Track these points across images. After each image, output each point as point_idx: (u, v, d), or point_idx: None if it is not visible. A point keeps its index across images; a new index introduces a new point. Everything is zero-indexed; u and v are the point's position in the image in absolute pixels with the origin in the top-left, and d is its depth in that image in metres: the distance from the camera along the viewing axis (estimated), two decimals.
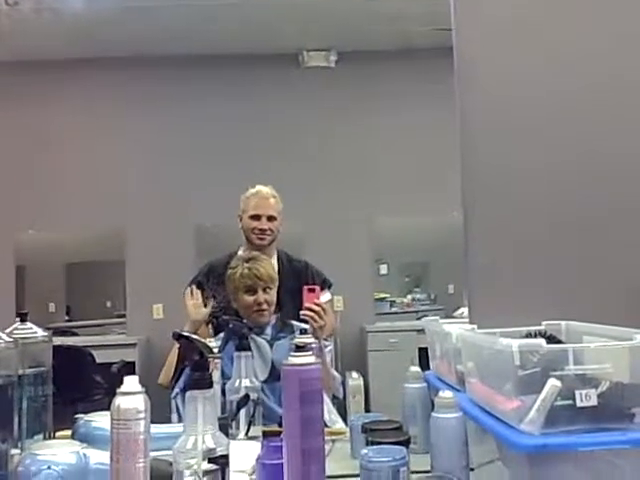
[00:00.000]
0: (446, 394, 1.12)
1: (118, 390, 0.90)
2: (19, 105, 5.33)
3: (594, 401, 0.95)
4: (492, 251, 1.38)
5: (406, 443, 1.20)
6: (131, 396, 0.90)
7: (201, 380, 0.97)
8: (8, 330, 1.27)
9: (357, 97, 5.53)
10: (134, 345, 4.92)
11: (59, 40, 4.83)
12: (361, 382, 4.94)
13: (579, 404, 0.95)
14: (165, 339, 5.27)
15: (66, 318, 5.32)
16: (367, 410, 4.55)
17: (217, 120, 5.43)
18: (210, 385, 0.98)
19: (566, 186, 1.52)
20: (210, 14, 4.60)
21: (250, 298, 2.13)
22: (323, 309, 2.15)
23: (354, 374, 4.92)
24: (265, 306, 2.12)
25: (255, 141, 5.37)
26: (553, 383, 0.95)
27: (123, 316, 5.39)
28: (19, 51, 4.78)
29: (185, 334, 1.05)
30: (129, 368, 4.72)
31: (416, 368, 1.45)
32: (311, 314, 2.09)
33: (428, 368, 1.55)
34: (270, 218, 2.57)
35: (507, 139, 1.47)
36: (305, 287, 2.17)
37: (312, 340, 1.17)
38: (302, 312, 2.14)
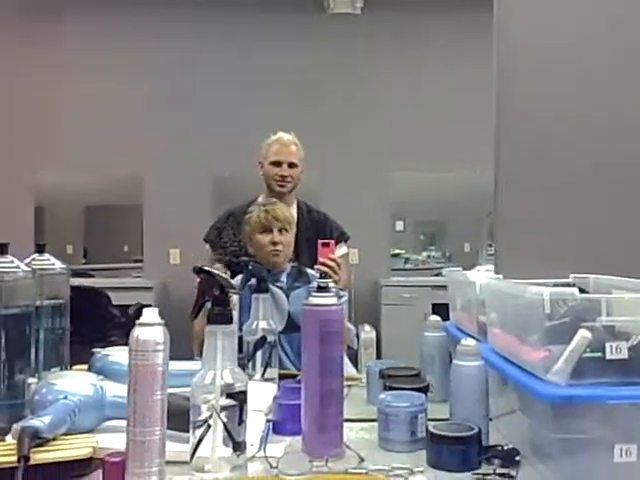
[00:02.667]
0: (468, 342, 1.10)
1: (137, 321, 0.89)
2: (39, 46, 5.28)
3: (624, 354, 0.92)
4: (521, 202, 1.34)
5: (424, 390, 1.18)
6: (150, 327, 0.88)
7: (221, 315, 0.95)
8: (27, 260, 1.25)
9: (381, 47, 5.41)
10: (150, 289, 4.96)
11: None
12: (374, 335, 4.97)
13: (609, 356, 0.92)
14: (182, 284, 5.32)
15: (83, 261, 5.35)
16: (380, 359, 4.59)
17: (238, 67, 5.34)
18: (230, 320, 0.96)
19: (597, 137, 1.46)
20: None
21: (266, 238, 2.11)
22: (337, 264, 2.13)
23: (367, 327, 4.95)
24: (280, 247, 2.11)
25: (275, 89, 5.29)
26: (583, 334, 0.92)
27: (140, 261, 5.41)
28: None
29: (206, 268, 1.02)
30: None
31: (436, 317, 1.42)
32: (325, 269, 2.07)
33: None
34: (291, 165, 2.53)
35: (543, 88, 1.41)
36: (320, 241, 2.15)
37: (332, 284, 1.14)
38: (316, 266, 2.13)
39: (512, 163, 1.38)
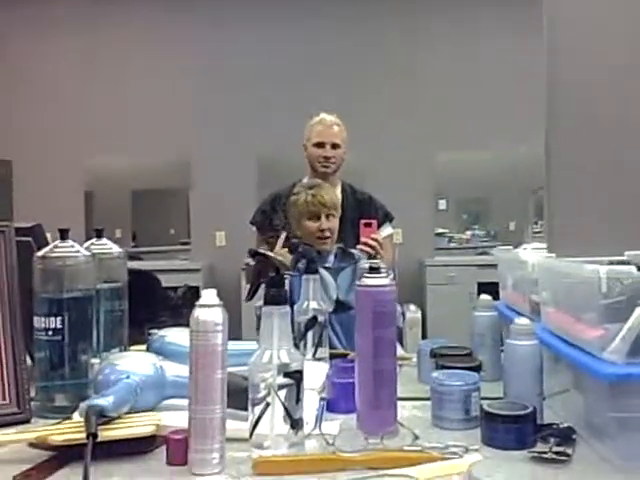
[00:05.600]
0: (522, 321, 1.09)
1: (197, 302, 0.91)
2: (90, 33, 5.38)
3: None
4: (574, 178, 1.31)
5: (477, 369, 1.19)
6: (209, 308, 0.90)
7: (277, 296, 0.97)
8: (85, 245, 1.29)
9: (423, 26, 5.35)
10: (198, 271, 5.04)
11: None
12: (419, 314, 4.96)
13: None
14: (228, 265, 5.40)
15: (132, 244, 5.46)
16: (425, 339, 4.59)
17: (282, 48, 5.35)
18: (285, 301, 0.98)
19: None
20: None
21: (314, 224, 2.13)
22: (380, 243, 2.13)
23: (412, 307, 4.94)
24: (328, 233, 2.13)
25: (318, 71, 5.28)
26: None
27: (187, 243, 5.51)
28: None
29: (261, 251, 1.04)
30: (193, 292, 4.86)
31: (486, 296, 1.41)
32: (367, 248, 2.07)
33: None
34: (334, 146, 2.53)
35: (596, 59, 1.38)
36: (362, 221, 2.15)
37: (376, 262, 1.15)
38: (358, 246, 2.13)
39: (564, 138, 1.35)
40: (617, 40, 1.44)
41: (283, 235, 2.02)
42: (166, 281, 4.02)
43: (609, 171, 1.34)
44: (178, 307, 4.43)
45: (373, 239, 2.12)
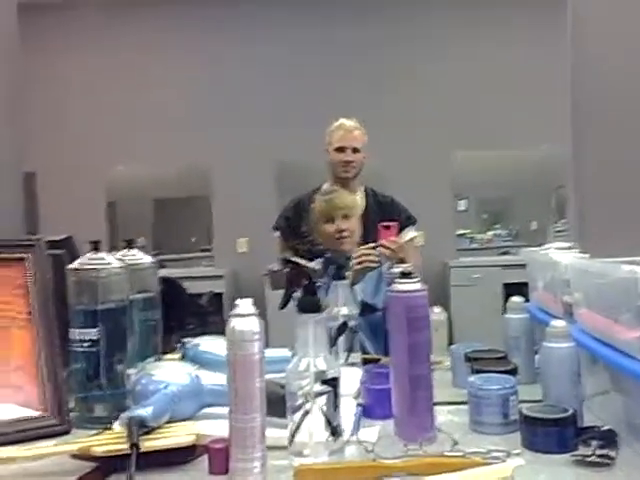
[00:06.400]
0: (558, 323, 1.08)
1: (232, 312, 0.91)
2: (108, 45, 5.43)
3: None
4: (606, 177, 1.30)
5: (513, 372, 1.18)
6: (246, 318, 0.91)
7: (311, 304, 0.97)
8: (117, 255, 1.31)
9: (441, 24, 5.33)
10: (221, 277, 5.07)
11: None
12: (444, 316, 4.94)
13: None
14: (250, 272, 5.40)
15: (154, 252, 5.50)
16: (450, 343, 4.57)
17: (298, 55, 5.37)
18: (320, 309, 0.98)
19: None
20: None
21: (331, 227, 2.17)
22: (400, 245, 2.12)
23: (436, 309, 4.92)
24: (346, 233, 2.16)
25: (335, 75, 5.29)
26: None
27: (208, 250, 5.53)
28: None
29: (293, 259, 1.05)
30: (218, 299, 4.88)
31: (518, 298, 1.40)
32: (385, 251, 2.06)
33: None
34: (355, 150, 2.54)
35: (621, 56, 1.37)
36: (380, 224, 2.14)
37: (408, 267, 1.15)
38: (377, 249, 2.12)
39: (594, 136, 1.34)
40: None
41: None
42: (190, 288, 4.04)
43: None
44: (204, 314, 4.45)
45: (391, 241, 2.11)
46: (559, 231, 5.38)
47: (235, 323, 0.91)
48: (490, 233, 5.74)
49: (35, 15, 5.24)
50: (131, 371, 1.20)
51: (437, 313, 4.74)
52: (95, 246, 1.21)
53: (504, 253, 5.40)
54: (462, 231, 5.67)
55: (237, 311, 0.92)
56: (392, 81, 5.30)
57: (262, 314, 0.92)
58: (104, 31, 5.42)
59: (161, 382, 1.09)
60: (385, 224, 2.15)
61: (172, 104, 5.39)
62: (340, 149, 2.54)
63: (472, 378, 1.12)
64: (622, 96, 1.33)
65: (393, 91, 5.28)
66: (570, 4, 1.40)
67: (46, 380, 1.15)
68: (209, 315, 4.59)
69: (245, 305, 0.92)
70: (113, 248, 1.41)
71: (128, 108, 5.43)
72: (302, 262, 1.04)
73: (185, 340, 1.38)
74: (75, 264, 1.19)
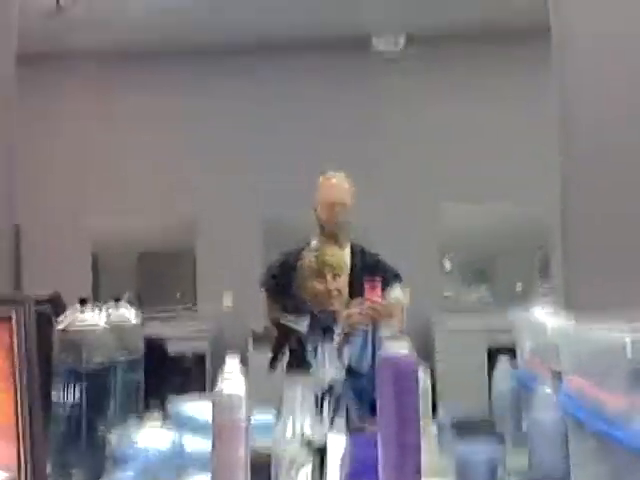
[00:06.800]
0: (544, 391, 1.08)
1: (220, 375, 0.91)
2: (92, 97, 5.49)
3: None
4: (592, 238, 1.31)
5: (500, 440, 1.17)
6: (233, 381, 0.90)
7: (299, 367, 0.97)
8: (104, 313, 1.29)
9: (427, 80, 5.44)
10: (205, 335, 5.01)
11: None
12: (428, 377, 4.88)
13: None
14: (236, 329, 5.31)
15: (137, 308, 5.44)
16: (434, 407, 4.49)
17: (285, 110, 5.44)
18: (308, 371, 0.97)
19: None
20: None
21: (320, 285, 2.14)
22: (385, 305, 2.12)
23: (420, 372, 4.85)
24: (335, 293, 2.13)
25: (322, 129, 5.36)
26: None
27: (193, 304, 5.48)
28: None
29: (282, 322, 1.05)
30: (201, 360, 4.80)
31: (506, 364, 1.40)
32: (371, 311, 2.06)
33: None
34: (343, 205, 2.56)
35: (612, 120, 1.40)
36: (366, 280, 2.14)
37: (398, 331, 1.15)
38: (362, 307, 2.11)
39: (580, 196, 1.36)
40: (632, 97, 1.46)
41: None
42: (173, 346, 3.99)
43: (629, 231, 1.34)
44: (186, 373, 4.37)
45: (377, 301, 2.10)
46: (544, 294, 5.39)
47: (223, 387, 0.90)
48: (475, 295, 5.75)
49: (25, 70, 5.31)
50: (112, 436, 1.17)
51: (420, 377, 4.68)
52: (82, 303, 1.20)
53: (489, 315, 5.39)
54: (447, 293, 5.67)
55: (225, 373, 0.91)
56: (378, 132, 5.36)
57: (245, 370, 0.91)
58: (93, 87, 5.47)
59: (142, 449, 1.07)
60: (370, 279, 2.15)
61: (159, 159, 5.41)
62: (329, 204, 2.56)
63: (459, 447, 1.10)
64: (608, 154, 1.36)
65: (379, 143, 5.34)
66: (555, 59, 1.44)
67: (24, 444, 1.12)
68: (191, 374, 4.51)
69: (232, 365, 0.91)
70: (116, 299, 1.39)
71: (114, 163, 5.44)
72: (293, 325, 1.03)
73: (168, 400, 1.35)
74: (62, 325, 1.17)
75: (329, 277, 2.15)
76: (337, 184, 2.59)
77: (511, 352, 1.57)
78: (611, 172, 1.42)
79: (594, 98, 1.45)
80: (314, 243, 2.54)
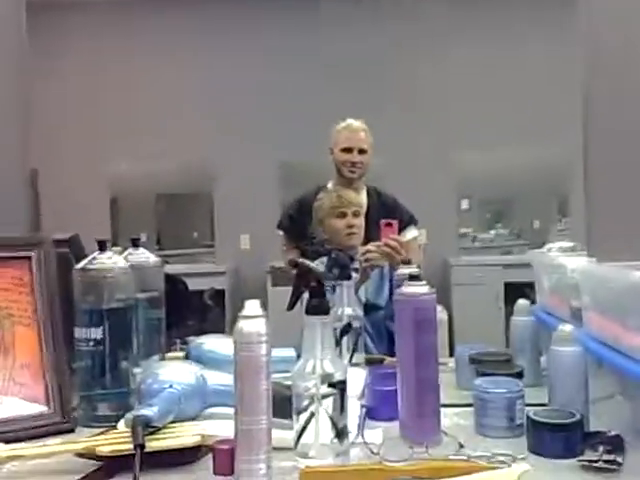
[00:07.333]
0: (565, 327, 1.08)
1: (239, 314, 0.91)
2: (111, 45, 5.42)
3: None
4: (615, 180, 1.29)
5: (519, 376, 1.18)
6: (253, 319, 0.90)
7: (319, 306, 0.97)
8: (123, 255, 1.30)
9: (441, 23, 5.30)
10: (223, 274, 5.07)
11: None
12: (445, 315, 4.93)
13: None
14: (253, 269, 5.41)
15: (156, 247, 5.50)
16: (451, 343, 4.56)
17: (300, 54, 5.35)
18: (327, 311, 0.98)
19: None
20: None
21: (341, 222, 2.20)
22: (400, 243, 2.12)
23: (438, 307, 4.90)
24: (355, 229, 2.19)
25: (339, 75, 5.27)
26: None
27: (210, 246, 5.53)
28: None
29: (301, 261, 1.05)
30: (220, 296, 4.88)
31: (525, 301, 1.40)
32: (387, 249, 2.06)
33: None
34: (361, 151, 2.53)
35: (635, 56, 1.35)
36: (382, 221, 2.14)
37: (416, 270, 1.15)
38: (379, 245, 2.12)
39: (604, 139, 1.33)
40: None
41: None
42: (192, 284, 4.04)
43: None
44: (207, 310, 4.45)
45: (393, 239, 2.11)
46: (561, 230, 5.38)
47: (243, 324, 0.91)
48: (492, 232, 5.73)
49: (39, 14, 5.23)
50: (136, 370, 1.20)
51: (438, 312, 4.73)
52: (101, 245, 1.21)
53: (506, 252, 5.39)
54: (464, 230, 5.67)
55: (245, 312, 0.91)
56: (394, 82, 5.28)
57: (263, 310, 0.92)
58: (109, 30, 5.40)
59: (166, 381, 1.09)
60: (386, 221, 2.15)
61: (176, 102, 5.38)
62: (347, 149, 2.53)
63: (478, 381, 1.11)
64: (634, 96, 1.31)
65: (396, 89, 5.26)
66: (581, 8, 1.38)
67: (50, 378, 1.15)
68: (210, 311, 4.59)
69: (253, 306, 0.92)
70: (115, 244, 1.40)
71: (131, 106, 5.42)
72: (312, 265, 1.03)
73: (189, 339, 1.38)
74: (82, 264, 1.18)
75: (350, 213, 2.20)
76: (356, 129, 2.56)
77: (528, 287, 1.58)
78: (636, 113, 1.38)
79: (620, 38, 1.39)
80: (330, 184, 2.54)
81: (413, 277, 1.07)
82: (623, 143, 1.30)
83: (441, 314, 4.78)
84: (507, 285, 4.71)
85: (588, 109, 1.35)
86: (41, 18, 5.00)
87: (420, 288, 1.05)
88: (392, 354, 1.27)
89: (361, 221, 2.23)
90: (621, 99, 1.33)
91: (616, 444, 0.94)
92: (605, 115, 1.33)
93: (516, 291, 1.59)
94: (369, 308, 1.98)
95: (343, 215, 2.20)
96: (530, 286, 1.57)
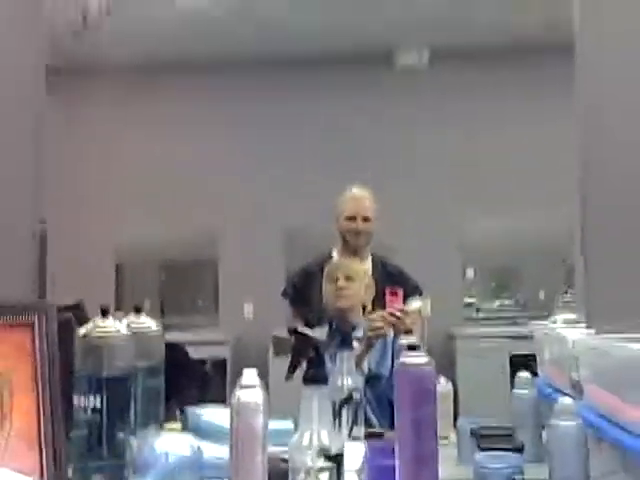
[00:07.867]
0: (565, 401, 1.07)
1: (238, 383, 0.91)
2: (121, 108, 5.56)
3: None
4: (613, 249, 1.30)
5: (519, 450, 1.16)
6: (250, 389, 0.91)
7: (317, 376, 0.97)
8: (125, 321, 1.31)
9: (452, 96, 5.43)
10: (226, 343, 5.04)
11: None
12: (450, 388, 4.85)
13: None
14: (256, 338, 5.35)
15: (160, 315, 5.49)
16: (455, 416, 4.46)
17: (307, 123, 5.48)
18: (325, 381, 0.97)
19: None
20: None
21: (332, 286, 2.22)
22: (405, 312, 2.13)
23: (442, 379, 4.82)
24: (345, 291, 2.19)
25: (344, 143, 5.39)
26: None
27: (214, 314, 5.52)
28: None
29: (300, 330, 1.05)
30: (221, 365, 4.83)
31: (525, 373, 1.39)
32: (392, 319, 2.07)
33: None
34: (365, 219, 2.57)
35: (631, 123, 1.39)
36: (387, 290, 2.15)
37: (415, 340, 1.15)
38: (382, 314, 2.12)
39: (601, 206, 1.35)
40: None
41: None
42: (194, 353, 4.02)
43: None
44: (206, 381, 4.39)
45: (397, 309, 2.11)
46: (567, 301, 5.35)
47: (240, 394, 0.91)
48: (497, 302, 5.71)
49: (59, 77, 5.39)
50: (132, 441, 1.18)
51: (442, 385, 4.65)
52: (104, 312, 1.22)
53: (512, 323, 5.35)
54: (469, 300, 5.64)
55: (242, 382, 0.92)
56: (398, 149, 5.38)
57: (264, 380, 0.92)
58: (125, 98, 5.55)
59: (161, 453, 1.08)
60: (391, 290, 2.16)
61: (183, 168, 5.47)
62: (351, 218, 2.57)
63: (478, 456, 1.10)
64: (634, 171, 1.34)
65: (399, 157, 5.36)
66: (577, 79, 1.43)
67: (46, 449, 1.14)
68: (212, 382, 4.53)
69: (250, 376, 0.92)
70: (136, 308, 1.41)
71: (141, 174, 5.52)
72: (310, 333, 1.04)
73: (188, 408, 1.36)
74: (83, 330, 1.19)
75: (342, 277, 2.22)
76: (361, 198, 2.61)
77: (533, 359, 1.57)
78: (631, 185, 1.40)
79: (614, 116, 1.44)
80: (335, 252, 2.56)
81: (412, 347, 1.07)
82: (619, 216, 1.32)
83: (446, 386, 4.71)
84: (512, 357, 4.65)
85: (582, 186, 1.38)
86: (62, 81, 5.17)
87: (419, 358, 1.05)
88: (394, 426, 1.26)
89: (355, 285, 2.23)
90: (616, 174, 1.36)
91: None
92: (600, 190, 1.35)
93: (522, 362, 1.58)
94: (372, 378, 1.96)
95: (336, 280, 2.23)
96: (535, 358, 1.56)
